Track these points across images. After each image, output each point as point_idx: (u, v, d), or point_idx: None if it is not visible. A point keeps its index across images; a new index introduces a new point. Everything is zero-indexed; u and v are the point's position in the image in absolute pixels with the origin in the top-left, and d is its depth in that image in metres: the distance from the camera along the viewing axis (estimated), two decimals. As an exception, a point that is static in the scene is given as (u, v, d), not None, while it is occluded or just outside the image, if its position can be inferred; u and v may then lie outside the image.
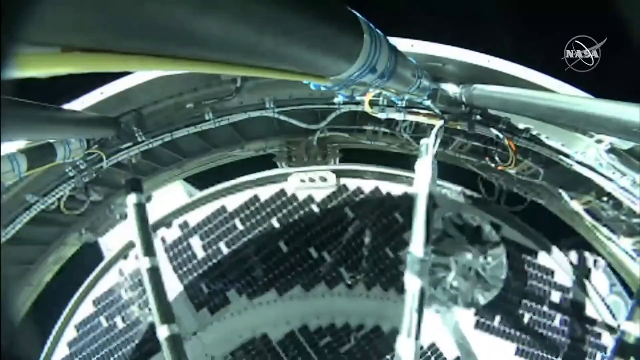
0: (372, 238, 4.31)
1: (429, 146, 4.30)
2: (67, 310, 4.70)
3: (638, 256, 5.41)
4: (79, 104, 4.91)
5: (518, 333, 4.24)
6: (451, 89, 5.04)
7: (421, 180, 4.22)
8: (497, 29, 7.78)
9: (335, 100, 5.52)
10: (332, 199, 4.39)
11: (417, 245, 4.16)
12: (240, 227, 4.43)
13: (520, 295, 4.38)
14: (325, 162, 6.80)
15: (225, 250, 4.32)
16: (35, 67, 0.86)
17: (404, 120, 5.44)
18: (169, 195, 4.51)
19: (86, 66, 0.99)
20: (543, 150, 5.14)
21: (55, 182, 5.29)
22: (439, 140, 4.39)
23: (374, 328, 3.97)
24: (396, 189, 4.40)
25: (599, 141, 4.68)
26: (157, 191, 4.52)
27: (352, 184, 4.43)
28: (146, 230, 5.13)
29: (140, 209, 5.19)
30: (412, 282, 4.12)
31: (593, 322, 4.48)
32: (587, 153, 4.85)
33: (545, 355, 4.24)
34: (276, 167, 6.87)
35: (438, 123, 4.63)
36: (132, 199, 5.19)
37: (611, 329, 4.54)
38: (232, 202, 4.47)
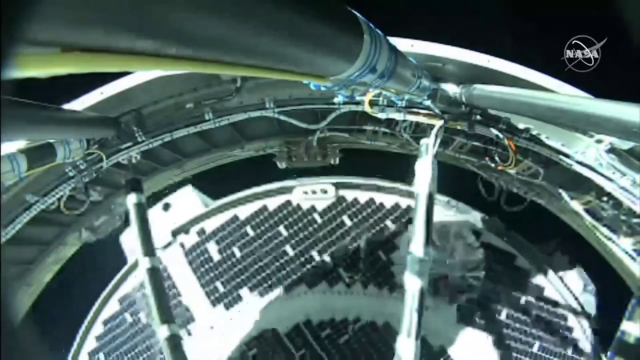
0: (367, 243, 4.69)
1: (429, 146, 4.30)
2: (94, 307, 5.10)
3: (638, 256, 5.41)
4: (79, 104, 4.91)
5: (496, 327, 4.60)
6: (451, 89, 5.03)
7: (421, 180, 4.23)
8: (497, 29, 7.77)
9: (335, 100, 5.51)
10: (332, 208, 4.79)
11: (417, 245, 4.17)
12: (251, 233, 4.96)
13: (499, 294, 4.79)
14: (325, 162, 6.79)
15: (238, 254, 4.83)
16: (35, 67, 0.86)
17: (404, 120, 5.43)
18: (187, 205, 4.80)
19: (86, 66, 0.99)
20: (543, 150, 5.12)
21: (55, 182, 5.29)
22: (439, 140, 4.39)
23: (369, 322, 4.42)
24: (388, 200, 4.79)
25: (599, 141, 4.67)
26: (175, 201, 4.84)
27: (349, 195, 4.75)
28: (146, 230, 5.13)
29: (140, 209, 5.19)
30: (412, 282, 4.12)
31: (565, 317, 4.79)
32: (587, 153, 4.84)
33: (520, 346, 4.59)
34: (276, 167, 6.88)
35: (438, 123, 4.62)
36: (132, 199, 5.19)
37: (582, 324, 4.90)
38: (244, 211, 4.90)
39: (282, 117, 5.73)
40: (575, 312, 4.86)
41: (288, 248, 4.78)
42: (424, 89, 4.40)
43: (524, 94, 3.81)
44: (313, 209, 4.79)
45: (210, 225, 4.84)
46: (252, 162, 6.67)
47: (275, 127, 6.36)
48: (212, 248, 4.73)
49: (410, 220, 4.81)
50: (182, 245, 4.85)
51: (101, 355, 5.19)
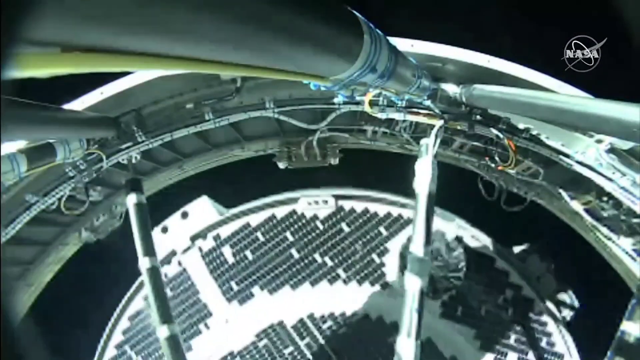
0: (362, 246, 5.60)
1: (429, 146, 4.31)
2: (121, 304, 5.80)
3: (638, 256, 5.41)
4: (79, 104, 4.91)
5: (477, 321, 5.39)
6: (451, 89, 5.03)
7: (421, 180, 4.23)
8: (497, 29, 7.78)
9: (335, 100, 5.51)
10: (332, 217, 5.67)
11: (417, 245, 4.18)
12: (261, 238, 5.68)
13: (480, 292, 5.52)
14: (325, 162, 6.83)
15: (250, 257, 5.61)
16: (35, 67, 0.86)
17: (404, 120, 5.44)
18: (203, 214, 5.69)
19: (86, 66, 0.99)
20: (543, 150, 5.13)
21: (55, 182, 5.29)
22: (439, 140, 4.39)
23: (364, 315, 5.35)
24: (381, 209, 5.70)
25: (599, 141, 4.66)
26: (192, 210, 5.75)
27: (347, 205, 5.69)
28: (146, 230, 5.13)
29: (140, 209, 5.19)
30: (412, 282, 4.13)
31: (540, 313, 5.56)
32: (587, 153, 4.84)
33: (498, 338, 5.42)
34: (276, 167, 6.89)
35: (438, 123, 4.63)
36: (132, 199, 5.19)
37: (557, 320, 5.62)
38: (255, 219, 5.70)
39: (282, 117, 5.73)
40: (549, 309, 5.57)
41: (294, 251, 5.60)
42: (424, 89, 4.40)
43: (524, 94, 3.81)
44: (315, 217, 5.66)
45: (224, 231, 5.65)
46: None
47: (275, 127, 6.36)
48: (227, 251, 5.55)
49: (401, 228, 5.67)
50: (200, 249, 5.60)
51: (127, 347, 5.86)
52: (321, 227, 5.68)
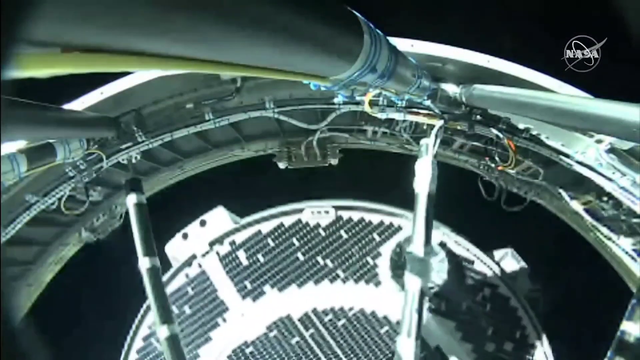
0: (358, 250, 6.41)
1: (429, 146, 4.30)
2: (146, 303, 6.33)
3: (638, 256, 5.41)
4: (79, 104, 4.91)
5: (458, 315, 6.17)
6: (451, 89, 5.03)
7: (421, 180, 4.23)
8: (497, 29, 7.78)
9: (335, 100, 5.51)
10: (332, 225, 6.48)
11: (417, 245, 4.18)
12: (271, 243, 6.40)
13: (461, 290, 6.33)
14: (325, 162, 6.87)
15: (261, 260, 6.32)
16: (35, 67, 0.86)
17: (404, 121, 5.44)
18: (220, 222, 6.48)
19: (86, 66, 0.99)
20: (543, 150, 5.13)
21: (55, 182, 5.29)
22: (439, 141, 4.39)
23: (360, 309, 6.16)
24: (374, 218, 6.49)
25: (599, 141, 4.66)
26: (210, 219, 6.53)
27: (345, 215, 6.51)
28: (146, 230, 5.12)
29: (140, 209, 5.19)
30: (412, 282, 4.14)
31: (514, 309, 6.32)
32: (587, 153, 4.84)
33: (477, 330, 6.17)
34: (277, 167, 6.91)
35: (438, 123, 4.62)
36: (132, 199, 5.19)
37: (529, 315, 6.33)
38: (266, 227, 6.46)
39: (282, 117, 5.73)
40: (522, 305, 6.34)
41: (299, 255, 6.39)
42: (424, 89, 4.40)
43: (524, 94, 3.81)
44: (318, 225, 6.45)
45: (239, 237, 6.44)
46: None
47: (275, 127, 6.36)
48: (242, 255, 6.36)
49: (391, 235, 6.48)
50: (217, 253, 6.40)
51: (153, 339, 6.40)
52: (323, 233, 6.46)
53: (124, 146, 5.43)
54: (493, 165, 5.82)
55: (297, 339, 6.00)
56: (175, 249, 6.49)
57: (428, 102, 5.00)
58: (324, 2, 1.70)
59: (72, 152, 4.65)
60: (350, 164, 7.40)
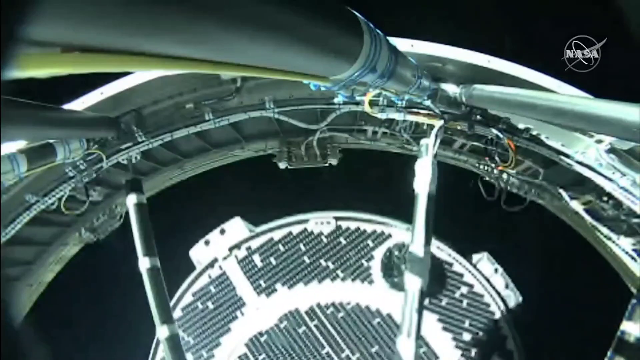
0: (355, 254, 7.40)
1: (429, 146, 4.30)
2: (172, 302, 7.07)
3: (638, 256, 5.41)
4: (79, 104, 4.91)
5: (440, 310, 7.20)
6: (451, 89, 5.03)
7: (421, 180, 4.23)
8: (497, 29, 7.77)
9: (335, 100, 5.51)
10: (333, 234, 7.49)
11: (417, 245, 4.17)
12: (282, 249, 7.37)
13: (441, 289, 7.33)
14: (325, 162, 6.91)
15: (273, 262, 7.32)
16: (35, 67, 0.86)
17: (404, 121, 5.43)
18: (237, 230, 7.50)
19: (86, 66, 0.99)
20: (543, 150, 5.12)
21: (55, 182, 5.29)
22: (439, 141, 4.38)
23: (356, 304, 7.17)
24: (369, 227, 7.50)
25: (599, 141, 4.66)
26: (229, 227, 7.52)
27: (344, 224, 7.50)
28: (146, 230, 5.12)
29: (140, 209, 5.19)
30: (412, 282, 4.13)
31: (488, 305, 7.24)
32: (587, 153, 4.84)
33: (456, 322, 7.17)
34: (277, 168, 6.93)
35: (438, 123, 4.62)
36: (132, 199, 5.19)
37: (501, 310, 7.23)
38: (277, 235, 7.45)
39: (282, 117, 5.73)
40: (495, 302, 7.25)
41: (305, 258, 7.32)
42: (424, 89, 4.40)
43: (524, 94, 3.80)
44: (321, 233, 7.38)
45: (254, 243, 7.40)
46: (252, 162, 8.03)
47: (275, 127, 6.36)
48: (257, 258, 7.30)
49: (383, 241, 7.42)
50: (236, 257, 7.34)
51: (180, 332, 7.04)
52: (325, 240, 7.44)
53: (124, 146, 5.43)
54: (493, 165, 5.81)
55: (303, 328, 7.09)
56: (199, 253, 7.52)
57: (428, 102, 5.00)
58: (323, 2, 1.70)
59: (72, 152, 4.65)
60: (351, 164, 7.80)
